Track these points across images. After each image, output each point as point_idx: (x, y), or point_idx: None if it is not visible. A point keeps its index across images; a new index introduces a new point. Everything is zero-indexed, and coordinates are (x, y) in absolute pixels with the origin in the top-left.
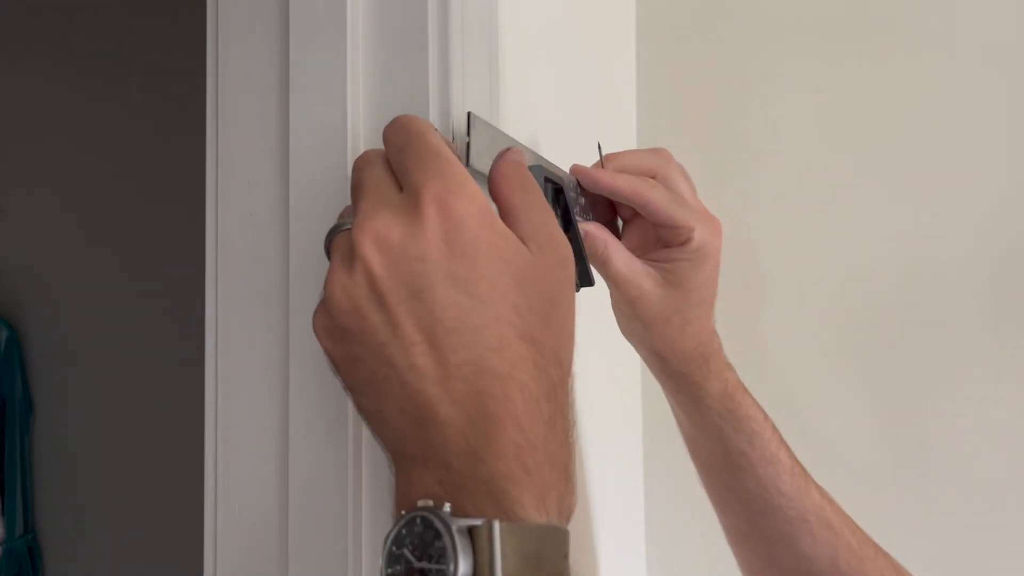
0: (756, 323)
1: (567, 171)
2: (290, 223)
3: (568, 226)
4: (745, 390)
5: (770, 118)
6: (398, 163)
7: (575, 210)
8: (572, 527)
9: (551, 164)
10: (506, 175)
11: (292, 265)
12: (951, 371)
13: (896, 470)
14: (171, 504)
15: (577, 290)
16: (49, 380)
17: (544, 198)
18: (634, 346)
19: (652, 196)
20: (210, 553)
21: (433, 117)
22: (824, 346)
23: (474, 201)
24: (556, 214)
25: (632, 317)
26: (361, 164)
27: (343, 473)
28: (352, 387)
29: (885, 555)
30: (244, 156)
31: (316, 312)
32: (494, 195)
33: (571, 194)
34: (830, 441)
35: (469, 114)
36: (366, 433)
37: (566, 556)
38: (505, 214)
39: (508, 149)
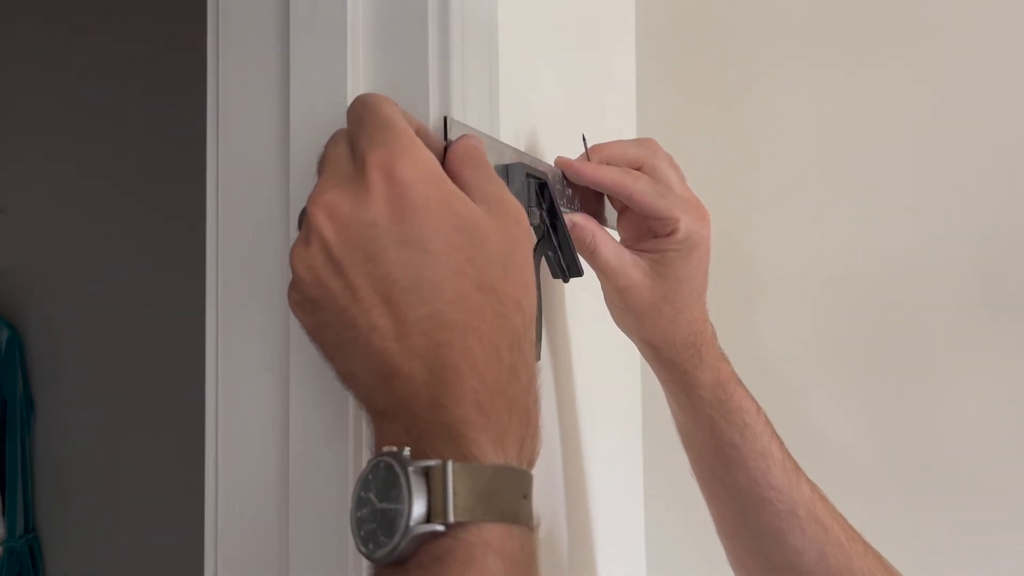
0: (751, 320)
1: (552, 165)
2: (290, 223)
3: (555, 219)
4: (738, 382)
5: (768, 118)
6: (353, 135)
7: (561, 202)
8: (572, 519)
9: (534, 160)
10: (458, 154)
11: None
12: (945, 368)
13: (888, 466)
14: (171, 504)
15: (566, 280)
16: (49, 380)
17: (495, 173)
18: (628, 336)
19: (635, 187)
20: (210, 553)
21: (433, 116)
22: (819, 343)
23: (420, 164)
24: (542, 207)
25: (623, 308)
26: (328, 142)
27: (343, 473)
28: (325, 353)
29: (874, 553)
30: (244, 156)
31: (289, 287)
32: (449, 172)
33: (557, 187)
34: (823, 437)
35: (446, 118)
36: (366, 433)
37: (525, 496)
38: (458, 184)
39: (463, 136)
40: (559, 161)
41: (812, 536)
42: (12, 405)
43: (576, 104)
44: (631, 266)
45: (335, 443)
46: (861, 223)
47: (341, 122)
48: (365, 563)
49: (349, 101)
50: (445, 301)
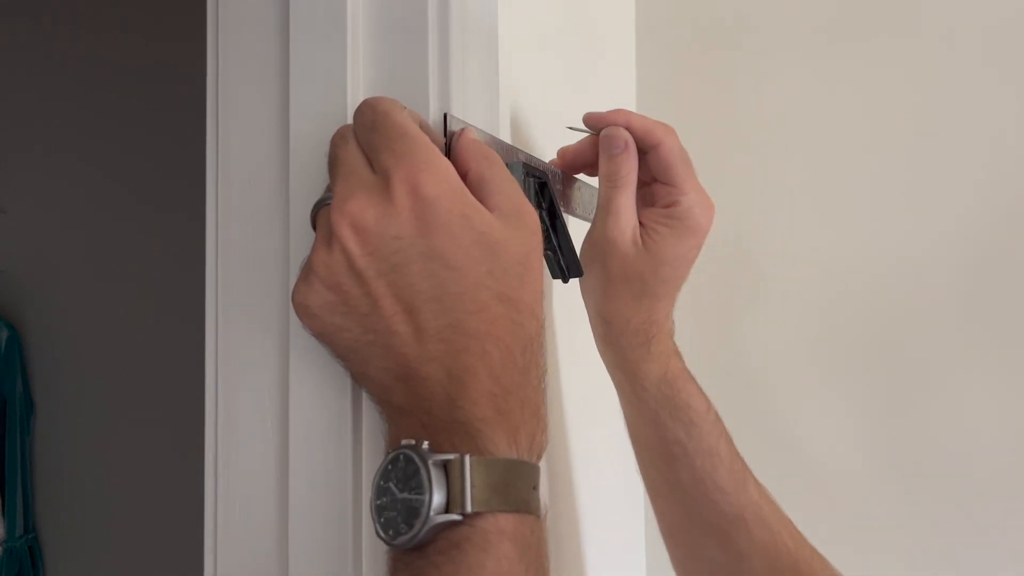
0: (750, 322)
1: (552, 165)
2: (290, 222)
3: (555, 218)
4: (689, 378)
5: (769, 118)
6: (367, 142)
7: (561, 202)
8: (572, 520)
9: (532, 158)
10: (468, 149)
11: (292, 265)
12: (943, 373)
13: (884, 470)
14: (171, 503)
15: (565, 280)
16: (49, 380)
17: (507, 169)
18: (585, 303)
19: (666, 138)
20: (210, 553)
21: (433, 114)
22: (813, 342)
23: (443, 178)
24: (542, 207)
25: (597, 262)
26: (336, 140)
27: (343, 473)
28: (338, 354)
29: (821, 558)
30: (244, 155)
31: (296, 288)
32: (460, 170)
33: (557, 186)
34: (816, 440)
35: (446, 115)
36: (366, 434)
37: (535, 487)
38: (474, 187)
39: (462, 129)
40: (587, 116)
41: (758, 540)
42: (12, 405)
43: (576, 103)
44: (632, 224)
45: (335, 443)
46: (860, 226)
47: (341, 121)
48: (366, 562)
49: (349, 101)
50: (466, 311)
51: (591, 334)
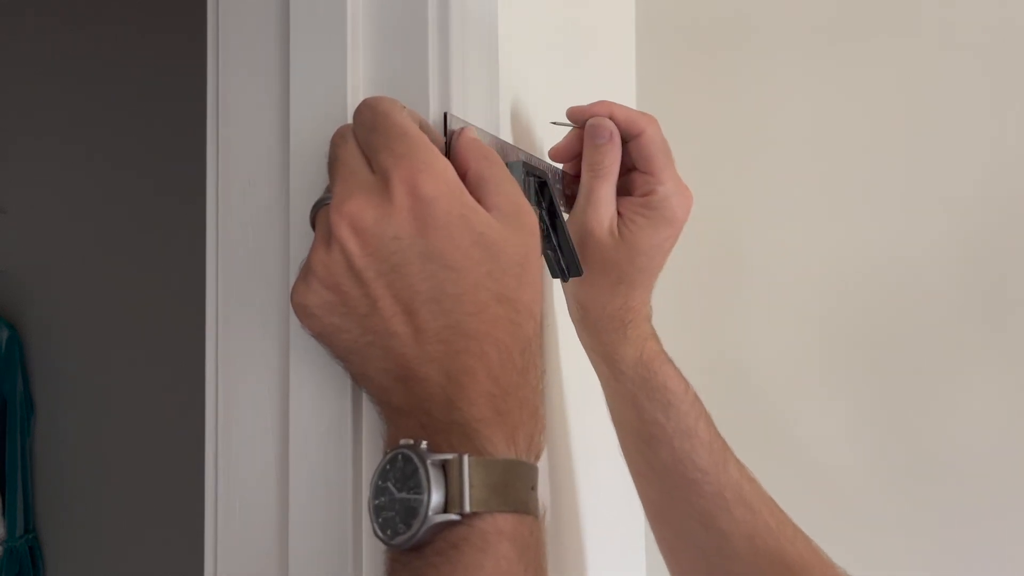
0: (751, 322)
1: (552, 164)
2: (290, 222)
3: (555, 218)
4: (666, 360)
5: (769, 118)
6: (367, 143)
7: (560, 202)
8: (571, 519)
9: (532, 157)
10: (469, 149)
11: (292, 265)
12: (942, 371)
13: (882, 471)
14: (171, 503)
15: (565, 280)
16: (49, 380)
17: (506, 168)
18: (563, 291)
19: (649, 128)
20: (210, 552)
21: (433, 114)
22: (815, 346)
23: (442, 179)
24: (541, 207)
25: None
26: (336, 140)
27: (343, 473)
28: (337, 354)
29: (804, 537)
30: (244, 156)
31: (295, 288)
32: (459, 170)
33: (556, 186)
34: (814, 442)
35: (446, 114)
36: (366, 434)
37: (533, 488)
38: (473, 186)
39: (461, 129)
40: (570, 110)
41: (740, 519)
42: (12, 405)
43: (576, 102)
44: (610, 214)
45: (335, 443)
46: (860, 224)
47: (341, 121)
48: (366, 562)
49: (349, 100)
50: (465, 312)
51: None
